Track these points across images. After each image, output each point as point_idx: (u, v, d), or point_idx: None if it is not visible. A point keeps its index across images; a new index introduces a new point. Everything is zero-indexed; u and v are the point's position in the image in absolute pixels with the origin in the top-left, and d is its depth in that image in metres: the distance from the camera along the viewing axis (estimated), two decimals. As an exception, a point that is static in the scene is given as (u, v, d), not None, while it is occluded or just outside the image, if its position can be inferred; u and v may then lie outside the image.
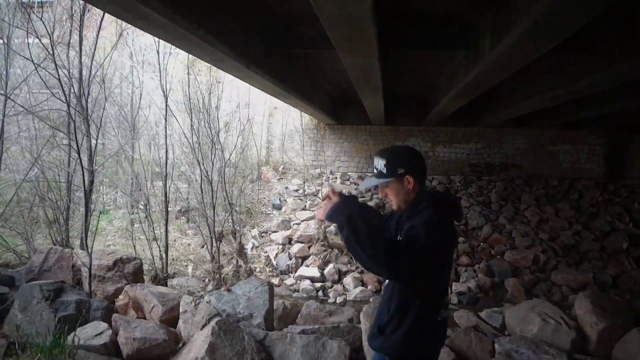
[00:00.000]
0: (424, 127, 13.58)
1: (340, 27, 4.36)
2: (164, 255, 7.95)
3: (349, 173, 14.05)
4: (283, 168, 14.71)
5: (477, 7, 5.20)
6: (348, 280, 10.64)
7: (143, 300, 5.11)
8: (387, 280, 2.35)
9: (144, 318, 5.00)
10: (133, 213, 9.77)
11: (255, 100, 13.71)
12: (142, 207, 11.97)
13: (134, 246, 7.98)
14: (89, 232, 5.94)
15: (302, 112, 13.27)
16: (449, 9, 5.46)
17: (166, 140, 7.99)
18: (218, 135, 8.49)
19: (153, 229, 8.07)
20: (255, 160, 13.77)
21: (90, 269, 5.07)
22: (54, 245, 6.78)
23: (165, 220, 7.93)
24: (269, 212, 12.85)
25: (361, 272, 10.94)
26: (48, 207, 7.09)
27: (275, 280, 10.54)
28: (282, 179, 14.31)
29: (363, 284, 10.62)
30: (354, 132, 14.09)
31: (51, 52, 5.21)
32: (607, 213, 11.78)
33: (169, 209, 11.17)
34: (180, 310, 4.90)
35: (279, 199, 13.25)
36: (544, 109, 9.92)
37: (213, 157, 8.09)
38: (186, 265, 10.58)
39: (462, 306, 8.99)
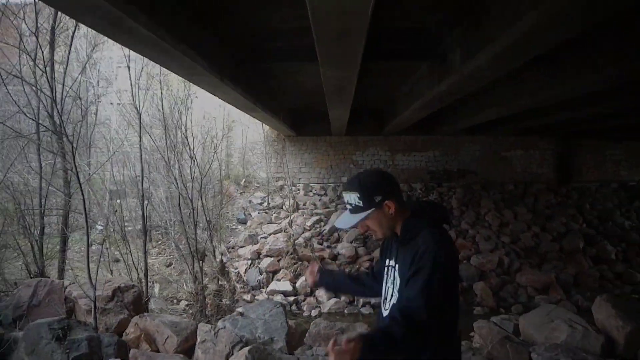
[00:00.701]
0: (382, 137, 13.79)
1: (331, 41, 4.29)
2: (142, 278, 7.53)
3: (311, 184, 14.02)
4: (245, 181, 14.45)
5: (445, 23, 5.31)
6: (321, 292, 10.60)
7: (155, 332, 4.82)
8: (385, 312, 2.18)
9: (157, 351, 4.72)
10: (107, 236, 9.18)
11: (214, 113, 13.39)
12: (100, 227, 11.35)
13: (111, 271, 7.51)
14: (70, 261, 5.54)
15: (264, 125, 13.13)
16: (418, 25, 5.54)
17: (141, 157, 7.60)
18: (194, 151, 8.17)
19: (130, 252, 7.62)
20: (216, 174, 13.43)
21: (95, 302, 4.71)
22: (30, 275, 6.26)
23: (143, 241, 7.51)
24: (234, 226, 12.57)
25: (333, 284, 10.95)
26: (20, 235, 6.50)
27: (247, 297, 10.32)
28: (244, 192, 14.06)
29: (336, 295, 10.62)
30: (313, 143, 14.07)
31: (44, 70, 4.80)
32: (562, 215, 12.46)
33: (128, 228, 10.69)
34: (198, 340, 4.67)
35: (244, 213, 13.00)
36: (500, 117, 10.28)
37: (193, 173, 7.77)
38: (152, 287, 10.13)
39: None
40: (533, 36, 3.84)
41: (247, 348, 4.13)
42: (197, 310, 7.78)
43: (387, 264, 2.23)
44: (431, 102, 7.74)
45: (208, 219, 8.51)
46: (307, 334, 5.76)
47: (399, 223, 2.12)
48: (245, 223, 12.72)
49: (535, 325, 4.65)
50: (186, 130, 8.04)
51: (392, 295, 2.12)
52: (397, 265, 2.11)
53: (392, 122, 11.12)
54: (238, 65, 6.43)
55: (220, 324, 5.03)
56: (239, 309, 9.22)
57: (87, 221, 4.93)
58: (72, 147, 4.87)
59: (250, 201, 13.54)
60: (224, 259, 11.10)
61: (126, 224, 11.22)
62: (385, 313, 2.17)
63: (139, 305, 5.47)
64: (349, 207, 2.14)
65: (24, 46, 5.17)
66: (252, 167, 14.74)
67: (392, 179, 2.18)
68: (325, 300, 10.39)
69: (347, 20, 3.65)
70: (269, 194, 13.53)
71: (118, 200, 11.93)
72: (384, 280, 2.23)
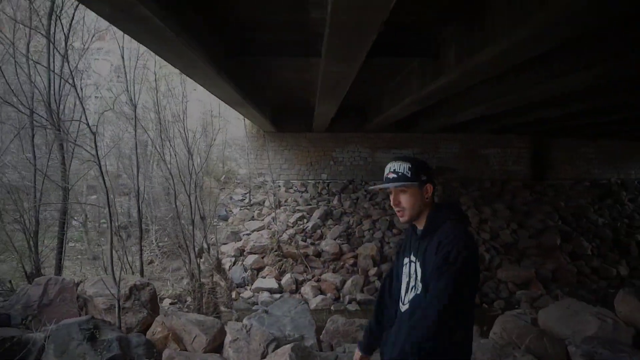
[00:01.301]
0: (363, 134, 13.89)
1: (343, 35, 4.17)
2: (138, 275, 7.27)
3: (291, 181, 13.93)
4: (225, 178, 14.17)
5: (439, 19, 5.29)
6: (306, 289, 10.55)
7: (182, 331, 4.65)
8: (404, 307, 2.19)
9: (185, 350, 4.56)
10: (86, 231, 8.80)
11: (192, 109, 13.05)
12: (80, 223, 10.87)
13: (106, 268, 7.18)
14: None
15: (245, 121, 12.93)
16: (410, 20, 5.46)
17: (136, 151, 7.32)
18: (190, 148, 7.93)
19: (125, 248, 7.31)
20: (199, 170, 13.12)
21: (119, 300, 4.50)
22: (26, 274, 5.90)
23: (139, 238, 7.24)
24: (215, 223, 12.30)
25: (318, 281, 10.91)
26: (18, 231, 6.09)
27: (232, 294, 10.15)
28: (224, 188, 13.79)
29: (321, 292, 10.60)
30: (294, 140, 13.98)
31: (64, 53, 4.51)
32: (538, 212, 12.88)
33: (104, 225, 10.30)
34: (230, 338, 4.54)
35: (225, 210, 12.76)
36: (482, 115, 10.36)
37: (191, 170, 7.54)
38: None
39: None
40: (543, 34, 3.84)
41: (289, 346, 4.04)
42: (194, 308, 7.59)
43: (405, 262, 2.25)
44: (422, 99, 7.72)
45: (202, 214, 8.29)
46: (323, 331, 5.69)
47: (425, 213, 2.17)
48: (226, 220, 12.50)
49: (557, 319, 4.78)
50: (184, 126, 7.76)
51: (412, 287, 2.13)
52: (417, 259, 2.13)
53: (377, 118, 11.13)
54: (230, 58, 6.25)
55: (246, 321, 4.91)
56: (232, 306, 9.12)
57: (110, 217, 4.69)
58: (95, 136, 4.61)
59: (231, 197, 13.30)
60: (217, 255, 10.89)
61: (103, 220, 10.83)
62: (404, 308, 2.17)
63: (155, 303, 5.26)
64: (392, 176, 2.16)
65: (43, 28, 4.81)
66: (232, 162, 14.46)
67: (434, 172, 2.26)
68: (312, 297, 10.32)
69: (365, 14, 3.62)
70: (250, 191, 13.33)
71: (94, 196, 11.50)
72: (402, 279, 2.24)
